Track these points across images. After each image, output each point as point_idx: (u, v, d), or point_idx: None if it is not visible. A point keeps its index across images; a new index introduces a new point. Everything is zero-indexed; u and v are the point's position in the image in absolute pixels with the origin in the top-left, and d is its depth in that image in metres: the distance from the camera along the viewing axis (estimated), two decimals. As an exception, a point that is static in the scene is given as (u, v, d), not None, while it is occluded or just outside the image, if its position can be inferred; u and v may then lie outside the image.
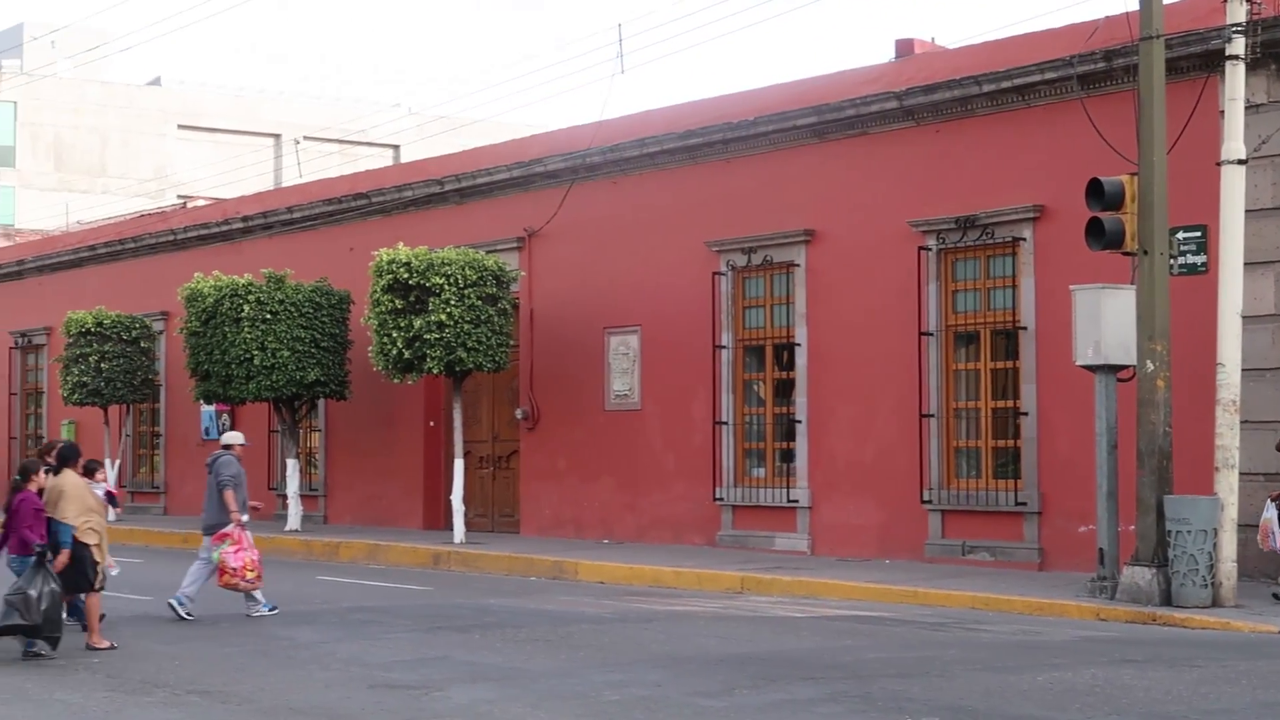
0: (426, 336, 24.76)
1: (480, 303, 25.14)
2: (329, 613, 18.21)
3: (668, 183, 25.47)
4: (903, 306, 22.16)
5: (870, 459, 22.58)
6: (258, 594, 18.01)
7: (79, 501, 15.56)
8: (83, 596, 15.72)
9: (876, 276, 22.56)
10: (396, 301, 24.98)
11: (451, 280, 24.83)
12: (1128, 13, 18.53)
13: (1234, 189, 17.30)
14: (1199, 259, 18.92)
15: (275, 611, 17.90)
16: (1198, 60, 19.04)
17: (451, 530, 25.98)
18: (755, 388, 24.54)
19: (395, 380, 25.95)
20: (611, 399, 26.22)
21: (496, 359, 25.49)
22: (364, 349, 26.93)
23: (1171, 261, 17.94)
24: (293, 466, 29.19)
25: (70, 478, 15.74)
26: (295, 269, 29.61)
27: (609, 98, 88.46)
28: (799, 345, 23.53)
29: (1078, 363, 18.44)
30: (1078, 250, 18.89)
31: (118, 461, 34.07)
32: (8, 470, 33.67)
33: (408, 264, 24.90)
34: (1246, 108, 17.57)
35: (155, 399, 35.22)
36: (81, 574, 15.41)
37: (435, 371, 25.17)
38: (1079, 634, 15.69)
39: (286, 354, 28.09)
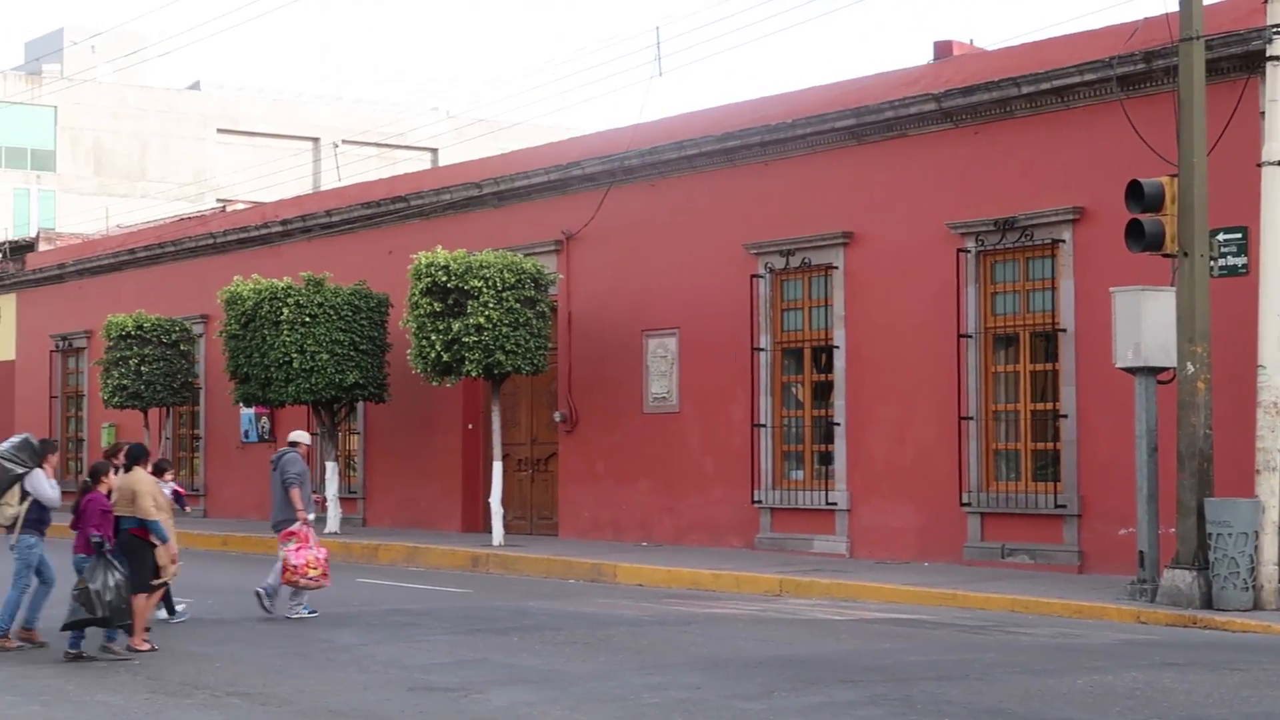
0: (465, 339, 24.81)
1: (519, 305, 25.17)
2: (368, 615, 18.27)
3: (706, 185, 25.46)
4: (941, 309, 22.11)
5: (909, 461, 22.54)
6: (304, 595, 18.11)
7: (153, 499, 15.69)
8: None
9: (915, 279, 22.51)
10: (435, 304, 25.04)
11: (490, 283, 24.87)
12: (1167, 14, 18.47)
13: (1275, 190, 17.22)
14: (1239, 261, 18.79)
15: (315, 615, 17.99)
16: (1238, 61, 18.94)
17: (490, 533, 26.04)
18: (794, 390, 24.51)
19: (434, 383, 26.03)
20: (650, 401, 26.22)
21: (535, 362, 25.53)
22: (403, 352, 27.02)
23: (1212, 263, 17.84)
24: (331, 469, 29.27)
25: (141, 475, 15.87)
26: (334, 272, 29.72)
27: (647, 100, 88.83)
28: (837, 348, 23.49)
29: (1117, 365, 18.37)
30: (1117, 252, 18.82)
31: (158, 464, 34.19)
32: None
33: (446, 267, 24.96)
34: (1287, 109, 17.47)
35: (195, 402, 35.40)
36: (139, 572, 15.51)
37: (474, 374, 25.22)
38: (1119, 637, 15.64)
39: (325, 357, 28.18)
